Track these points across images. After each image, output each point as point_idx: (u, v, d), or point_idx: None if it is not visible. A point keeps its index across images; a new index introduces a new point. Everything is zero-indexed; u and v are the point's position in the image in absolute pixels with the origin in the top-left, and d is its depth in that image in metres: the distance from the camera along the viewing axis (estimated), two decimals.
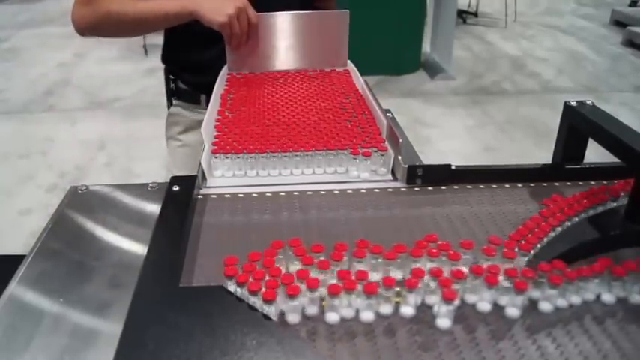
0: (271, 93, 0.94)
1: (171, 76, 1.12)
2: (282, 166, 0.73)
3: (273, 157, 0.72)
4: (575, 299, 0.48)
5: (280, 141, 0.75)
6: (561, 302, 0.48)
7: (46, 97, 3.54)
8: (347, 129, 0.79)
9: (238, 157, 0.72)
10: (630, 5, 5.51)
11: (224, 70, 1.02)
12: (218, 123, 0.81)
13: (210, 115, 0.82)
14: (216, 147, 0.74)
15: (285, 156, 0.72)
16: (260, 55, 1.03)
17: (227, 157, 0.72)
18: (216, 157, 0.72)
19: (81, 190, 0.74)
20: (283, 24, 1.02)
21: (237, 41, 0.96)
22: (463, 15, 5.30)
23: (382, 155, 0.73)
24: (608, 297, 0.48)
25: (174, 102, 1.13)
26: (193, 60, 1.06)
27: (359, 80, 0.99)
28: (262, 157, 0.72)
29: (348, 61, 1.07)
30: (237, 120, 0.83)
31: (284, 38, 1.04)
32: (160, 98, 3.73)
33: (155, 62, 3.94)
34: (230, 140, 0.75)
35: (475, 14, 5.47)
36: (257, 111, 0.86)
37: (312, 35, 1.04)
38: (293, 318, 0.46)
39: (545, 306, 0.47)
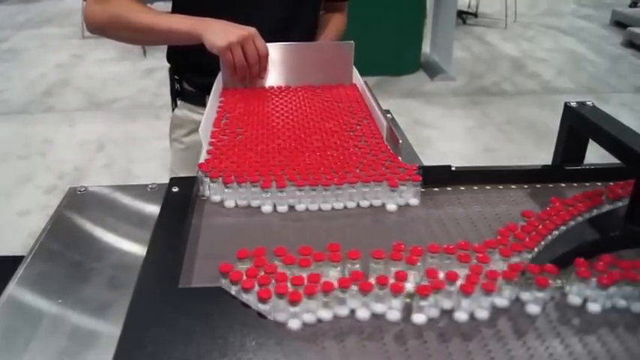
0: (271, 112, 0.86)
1: (176, 77, 1.11)
2: (295, 201, 0.64)
3: (281, 192, 0.63)
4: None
5: (283, 171, 0.66)
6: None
7: (45, 97, 3.54)
8: (360, 157, 0.70)
9: (241, 187, 0.65)
10: (631, 6, 5.52)
11: (218, 83, 0.95)
12: (212, 147, 0.73)
13: (208, 115, 0.82)
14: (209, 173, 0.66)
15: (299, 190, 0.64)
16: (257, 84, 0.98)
17: (228, 187, 0.65)
18: (213, 182, 0.65)
19: (80, 191, 0.74)
20: (284, 55, 0.97)
21: (241, 72, 0.92)
22: (463, 15, 5.31)
23: (415, 186, 0.65)
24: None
25: (179, 103, 1.12)
26: (199, 60, 1.05)
27: (366, 95, 0.92)
28: (267, 191, 0.64)
29: (354, 70, 1.01)
30: (233, 145, 0.74)
31: (284, 70, 0.98)
32: (158, 99, 3.72)
33: (154, 63, 4.00)
34: (229, 171, 0.67)
35: (475, 15, 5.48)
36: (256, 134, 0.77)
37: (315, 66, 0.99)
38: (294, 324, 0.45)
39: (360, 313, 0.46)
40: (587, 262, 0.49)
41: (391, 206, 0.64)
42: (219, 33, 0.88)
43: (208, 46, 0.88)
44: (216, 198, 0.65)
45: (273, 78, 0.99)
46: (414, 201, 0.65)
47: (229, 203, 0.64)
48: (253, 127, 0.80)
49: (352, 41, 0.99)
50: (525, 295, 0.48)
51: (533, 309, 0.47)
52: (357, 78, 1.00)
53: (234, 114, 0.85)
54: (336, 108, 0.88)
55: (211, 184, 0.65)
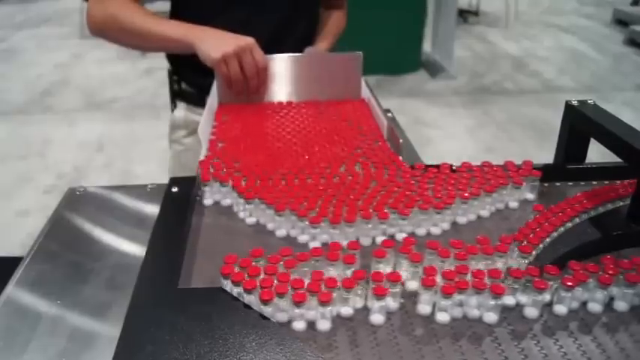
0: (271, 134, 0.78)
1: (175, 77, 1.10)
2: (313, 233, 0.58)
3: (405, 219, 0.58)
4: None
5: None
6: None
7: (44, 98, 3.53)
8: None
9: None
10: (632, 4, 5.50)
11: (213, 97, 0.89)
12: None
13: (207, 115, 0.81)
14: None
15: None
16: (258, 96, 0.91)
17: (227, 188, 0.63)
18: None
19: (79, 191, 0.73)
20: (287, 66, 0.91)
21: (237, 86, 0.86)
22: (464, 14, 5.30)
23: (533, 181, 0.65)
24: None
25: (178, 104, 1.11)
26: (198, 59, 1.03)
27: (376, 111, 0.85)
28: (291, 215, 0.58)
29: (362, 83, 0.95)
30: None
31: (286, 83, 0.91)
32: (158, 99, 3.70)
33: (153, 62, 3.99)
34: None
35: (476, 13, 5.46)
36: (255, 161, 0.70)
37: (319, 79, 0.92)
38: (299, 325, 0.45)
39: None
40: (435, 269, 0.48)
41: (514, 203, 0.65)
42: (213, 43, 0.83)
43: (201, 58, 0.84)
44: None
45: (274, 92, 0.92)
46: (531, 196, 0.66)
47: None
48: (252, 155, 0.71)
49: (360, 52, 0.92)
50: (370, 304, 0.46)
51: (376, 318, 0.45)
52: (364, 90, 0.94)
53: (231, 135, 0.77)
54: (344, 129, 0.80)
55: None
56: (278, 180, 0.65)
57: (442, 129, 3.04)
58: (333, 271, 0.49)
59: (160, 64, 1.12)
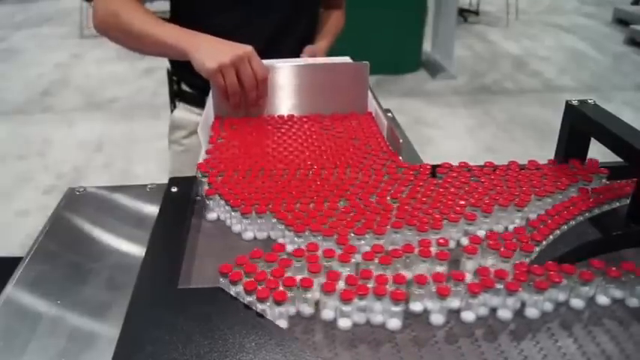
0: (272, 153, 0.72)
1: (175, 78, 1.09)
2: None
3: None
4: None
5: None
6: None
7: (44, 97, 3.54)
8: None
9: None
10: (633, 4, 5.49)
11: (209, 109, 0.84)
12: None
13: (207, 115, 0.81)
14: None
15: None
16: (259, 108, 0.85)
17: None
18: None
19: (78, 191, 0.73)
20: (289, 76, 0.85)
21: (235, 99, 0.80)
22: (464, 13, 5.30)
23: (601, 178, 0.67)
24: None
25: (178, 105, 1.10)
26: None
27: (383, 124, 0.80)
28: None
29: (369, 96, 0.89)
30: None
31: (287, 95, 0.86)
32: (157, 98, 3.70)
33: (153, 62, 3.99)
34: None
35: (476, 13, 5.47)
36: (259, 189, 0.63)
37: (323, 91, 0.86)
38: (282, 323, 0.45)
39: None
40: (339, 274, 0.47)
41: None
42: (208, 51, 0.78)
43: (196, 68, 0.79)
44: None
45: (274, 105, 0.86)
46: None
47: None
48: (259, 181, 0.64)
49: (367, 62, 0.86)
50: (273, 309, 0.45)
51: (280, 324, 0.45)
52: (371, 103, 0.88)
53: (227, 155, 0.71)
54: (351, 147, 0.73)
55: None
56: (306, 204, 0.59)
57: (442, 129, 3.04)
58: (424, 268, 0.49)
59: (159, 63, 1.11)
